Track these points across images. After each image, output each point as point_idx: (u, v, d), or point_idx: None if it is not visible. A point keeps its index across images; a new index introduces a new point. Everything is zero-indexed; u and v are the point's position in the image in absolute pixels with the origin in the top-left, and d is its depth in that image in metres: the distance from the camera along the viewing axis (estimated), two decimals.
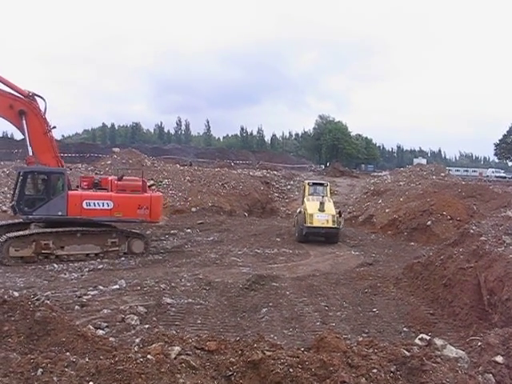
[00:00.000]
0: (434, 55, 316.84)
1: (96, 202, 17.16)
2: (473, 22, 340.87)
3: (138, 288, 12.46)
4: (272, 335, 9.31)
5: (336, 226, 22.39)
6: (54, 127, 17.50)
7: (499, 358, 5.40)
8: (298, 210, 24.91)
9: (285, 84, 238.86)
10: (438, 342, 5.92)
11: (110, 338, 7.16)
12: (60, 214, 16.77)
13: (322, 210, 22.41)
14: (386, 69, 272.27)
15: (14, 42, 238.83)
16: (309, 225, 22.23)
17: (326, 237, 22.87)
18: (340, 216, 24.63)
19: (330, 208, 22.89)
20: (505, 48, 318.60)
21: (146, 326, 9.68)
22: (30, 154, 17.02)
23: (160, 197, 19.27)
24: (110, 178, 18.82)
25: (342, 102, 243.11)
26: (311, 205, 23.09)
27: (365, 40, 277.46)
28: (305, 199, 24.28)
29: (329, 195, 24.71)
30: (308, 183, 26.09)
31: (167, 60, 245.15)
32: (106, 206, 17.21)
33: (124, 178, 18.43)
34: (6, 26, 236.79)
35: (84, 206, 16.98)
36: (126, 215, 17.49)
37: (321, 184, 26.10)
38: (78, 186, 18.85)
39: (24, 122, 16.72)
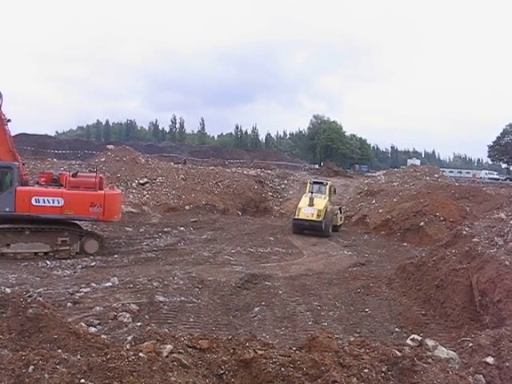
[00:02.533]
0: (428, 57, 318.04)
1: (46, 198, 16.46)
2: (467, 23, 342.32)
3: (131, 286, 12.42)
4: (264, 334, 9.34)
5: (320, 219, 24.38)
6: (9, 120, 16.95)
7: (490, 359, 5.44)
8: None
9: (278, 83, 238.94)
10: (430, 342, 5.95)
11: (102, 336, 7.15)
12: (7, 210, 16.17)
13: (311, 204, 24.75)
14: (378, 70, 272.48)
15: (8, 39, 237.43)
16: (296, 217, 25.12)
17: (311, 229, 24.80)
18: (340, 212, 27.79)
19: (319, 203, 24.96)
20: (500, 50, 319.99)
21: (139, 323, 9.68)
22: None
23: (116, 195, 18.43)
24: (66, 174, 18.00)
25: (335, 101, 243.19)
26: (304, 200, 25.61)
27: (356, 41, 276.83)
28: (303, 195, 26.57)
29: (327, 193, 26.40)
30: (309, 181, 28.52)
31: (162, 58, 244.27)
32: (56, 203, 16.47)
33: (79, 174, 17.90)
34: (0, 23, 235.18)
35: (33, 202, 16.29)
36: (77, 213, 16.82)
37: (321, 183, 27.93)
38: (37, 182, 18.25)
39: None
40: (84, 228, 18.69)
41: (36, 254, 16.39)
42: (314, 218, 24.38)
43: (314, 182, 28.02)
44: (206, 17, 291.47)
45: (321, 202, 25.17)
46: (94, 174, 17.92)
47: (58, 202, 16.58)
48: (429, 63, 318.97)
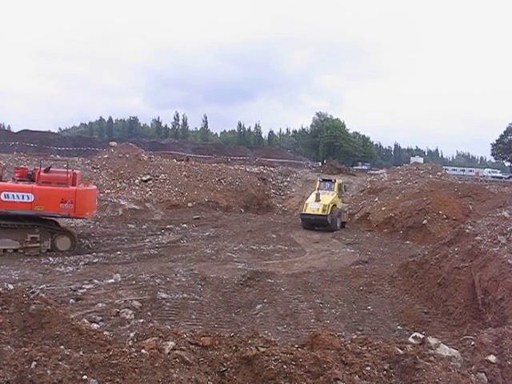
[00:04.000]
0: (431, 55, 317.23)
1: (15, 194, 16.06)
2: (470, 22, 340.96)
3: (133, 282, 12.42)
4: (266, 331, 9.32)
5: (325, 214, 25.55)
6: None
7: (492, 358, 5.43)
8: None
9: (279, 81, 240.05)
10: (432, 340, 5.95)
11: (105, 332, 7.15)
12: None
13: (317, 200, 26.01)
14: (380, 68, 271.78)
15: (10, 37, 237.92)
16: (303, 212, 26.65)
17: (317, 224, 26.04)
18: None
19: (325, 199, 26.14)
20: (503, 49, 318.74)
21: (141, 320, 9.68)
22: None
23: (88, 191, 17.96)
24: (39, 169, 17.38)
25: (337, 99, 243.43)
26: (312, 196, 27.06)
27: (357, 39, 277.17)
28: (313, 192, 27.91)
29: (335, 190, 27.56)
30: (319, 179, 30.02)
31: (164, 56, 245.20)
32: (25, 199, 16.11)
33: (51, 169, 17.43)
34: (2, 20, 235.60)
35: (2, 197, 15.92)
36: (47, 209, 16.38)
37: (329, 180, 29.46)
38: (13, 178, 17.90)
39: None
40: (61, 225, 18.17)
41: (5, 250, 16.06)
42: (320, 212, 25.54)
43: (323, 180, 29.49)
44: (208, 15, 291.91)
45: (327, 197, 26.36)
46: (67, 170, 17.43)
47: (28, 198, 16.18)
48: (432, 61, 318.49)
